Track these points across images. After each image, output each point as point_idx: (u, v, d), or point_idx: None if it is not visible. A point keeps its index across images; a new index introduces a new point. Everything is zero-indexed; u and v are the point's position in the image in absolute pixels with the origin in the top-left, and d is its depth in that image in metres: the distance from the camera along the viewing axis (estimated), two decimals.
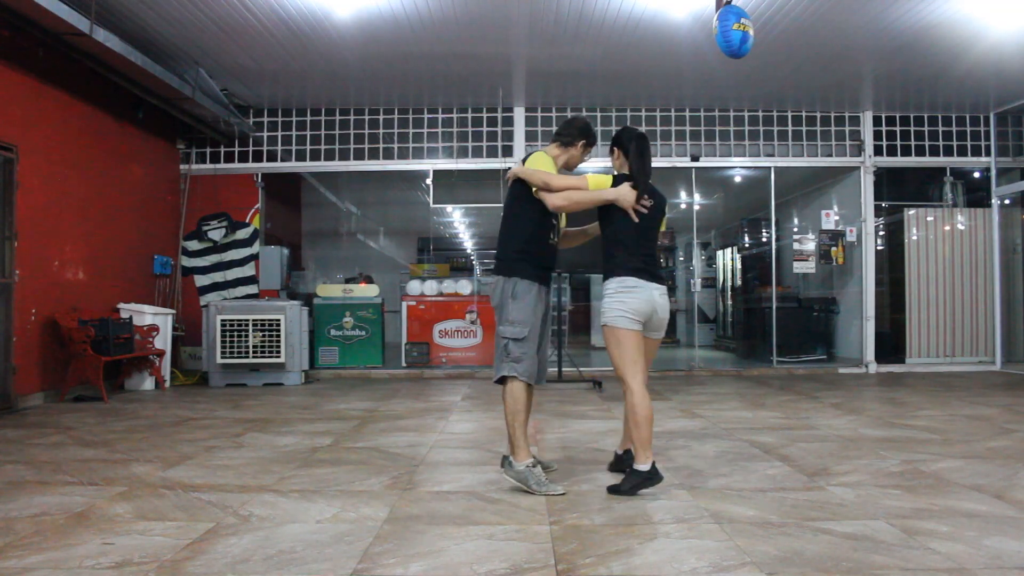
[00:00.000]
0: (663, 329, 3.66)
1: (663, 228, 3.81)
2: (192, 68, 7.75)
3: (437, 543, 2.77)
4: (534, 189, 3.64)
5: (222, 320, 8.08)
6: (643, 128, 9.50)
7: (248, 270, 9.41)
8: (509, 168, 3.88)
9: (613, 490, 3.45)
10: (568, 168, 3.93)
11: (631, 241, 3.59)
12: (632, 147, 3.66)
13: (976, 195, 10.10)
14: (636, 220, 3.57)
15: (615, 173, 3.73)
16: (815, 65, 7.93)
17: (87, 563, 2.56)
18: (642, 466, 3.39)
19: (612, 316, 3.51)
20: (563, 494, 3.44)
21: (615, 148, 3.78)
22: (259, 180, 9.52)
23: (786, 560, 2.56)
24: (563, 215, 3.82)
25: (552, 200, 3.58)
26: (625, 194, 3.55)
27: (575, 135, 3.85)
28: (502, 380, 3.62)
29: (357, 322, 9.22)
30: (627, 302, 3.49)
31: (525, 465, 3.52)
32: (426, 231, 14.65)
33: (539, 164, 3.68)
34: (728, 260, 13.70)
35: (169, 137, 9.10)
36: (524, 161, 3.77)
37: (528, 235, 3.69)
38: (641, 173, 3.62)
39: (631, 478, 3.41)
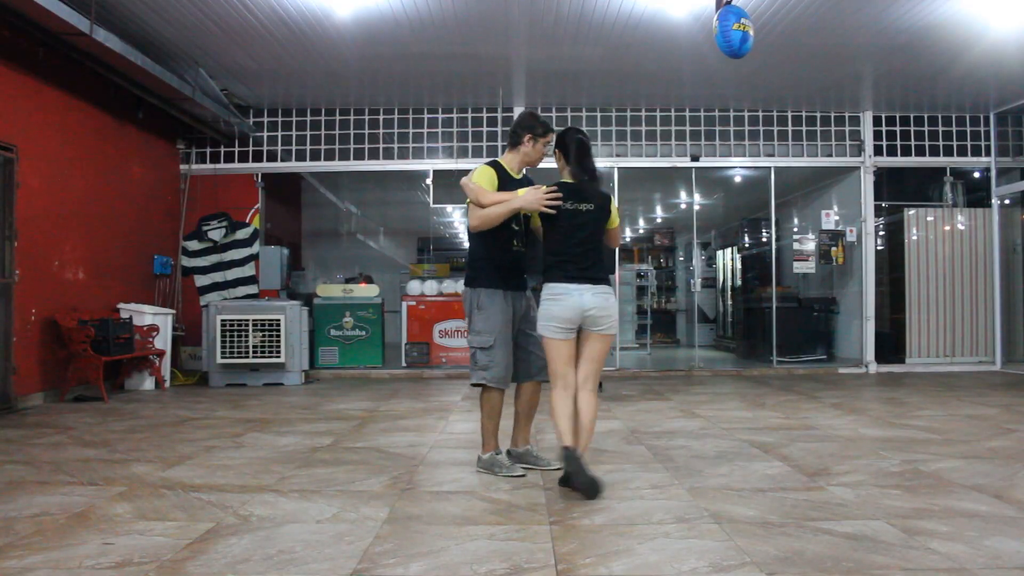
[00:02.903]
0: (606, 324, 3.57)
1: (614, 224, 3.77)
2: (192, 68, 7.75)
3: (437, 543, 2.77)
4: (467, 202, 3.79)
5: (222, 320, 8.07)
6: (643, 128, 9.52)
7: (248, 270, 9.41)
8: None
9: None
10: (532, 166, 4.01)
11: (561, 246, 3.60)
12: (572, 150, 3.66)
13: (976, 195, 10.10)
14: (552, 212, 3.56)
15: (564, 180, 3.71)
16: (815, 65, 7.93)
17: (87, 563, 2.56)
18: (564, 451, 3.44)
19: (540, 325, 3.61)
20: (523, 475, 3.77)
21: (557, 150, 3.76)
22: (259, 180, 9.51)
23: (786, 560, 2.56)
24: (534, 216, 3.79)
25: (471, 224, 3.77)
26: (529, 199, 3.60)
27: (519, 132, 3.91)
28: (478, 386, 3.88)
29: (357, 322, 9.22)
30: (552, 311, 3.54)
31: (489, 455, 3.89)
32: (426, 231, 14.65)
33: (476, 178, 3.79)
34: (728, 260, 13.71)
35: (169, 137, 9.10)
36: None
37: (489, 245, 3.82)
38: (583, 173, 3.63)
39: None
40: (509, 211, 3.65)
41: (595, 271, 3.59)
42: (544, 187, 3.65)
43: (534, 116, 3.97)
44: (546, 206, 3.57)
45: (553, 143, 3.87)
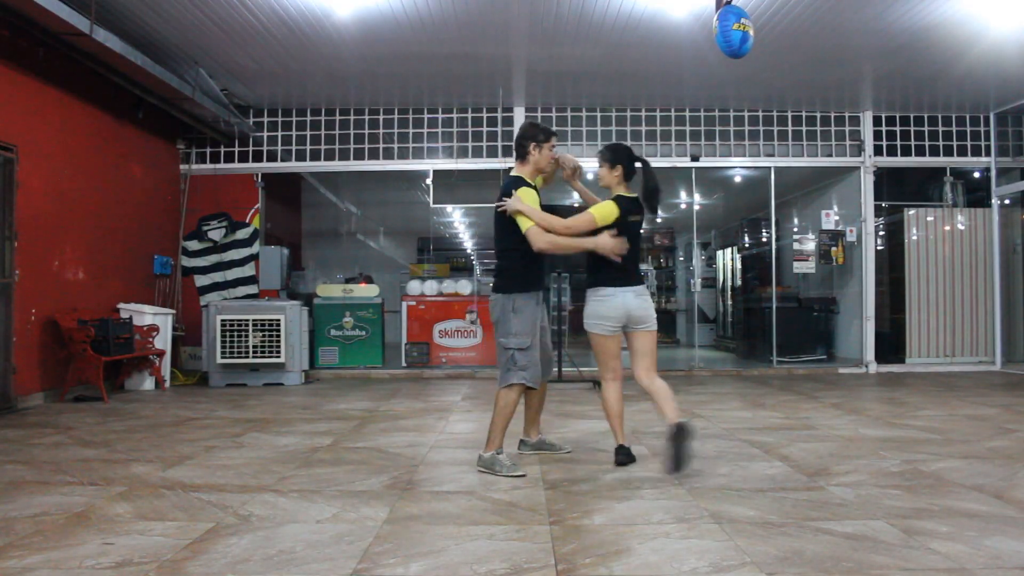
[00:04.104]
0: (648, 321, 3.96)
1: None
2: (192, 68, 7.75)
3: (437, 543, 2.77)
4: (524, 228, 3.88)
5: (222, 320, 8.07)
6: (643, 128, 9.51)
7: (248, 270, 9.41)
8: (508, 169, 4.11)
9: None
10: (543, 172, 4.17)
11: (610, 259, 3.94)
12: (645, 178, 4.03)
13: (976, 195, 10.09)
14: (618, 260, 3.89)
15: (621, 194, 4.02)
16: (815, 65, 7.92)
17: (87, 563, 2.56)
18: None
19: (589, 323, 3.99)
20: (523, 475, 3.82)
21: (609, 164, 4.04)
22: (259, 180, 9.51)
23: (786, 560, 2.56)
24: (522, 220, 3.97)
25: (537, 244, 3.88)
26: (604, 244, 3.86)
27: (524, 143, 4.08)
28: (509, 386, 3.96)
29: (357, 322, 9.22)
30: (599, 310, 3.94)
31: (491, 454, 3.94)
32: (426, 231, 14.65)
33: (528, 201, 3.91)
34: (728, 260, 13.70)
35: (169, 137, 9.10)
36: (505, 190, 4.00)
37: (524, 254, 3.99)
38: (651, 202, 4.03)
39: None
40: (582, 249, 3.95)
41: (636, 274, 4.02)
42: (612, 236, 3.85)
43: (533, 125, 4.15)
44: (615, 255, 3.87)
45: (555, 145, 4.13)
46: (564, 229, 3.90)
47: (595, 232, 3.90)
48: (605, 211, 3.91)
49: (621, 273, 3.93)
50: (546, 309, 4.25)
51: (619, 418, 4.02)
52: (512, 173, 4.13)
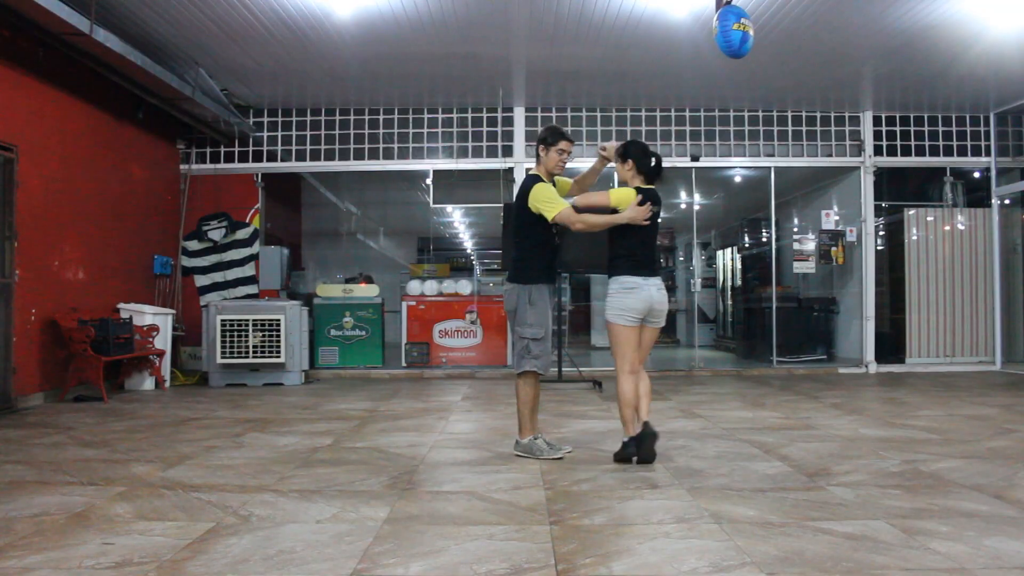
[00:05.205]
0: (661, 319, 4.10)
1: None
2: (192, 68, 7.75)
3: (437, 543, 2.77)
4: (551, 217, 4.05)
5: (222, 320, 8.07)
6: (643, 128, 9.52)
7: (248, 270, 9.41)
8: (509, 169, 4.28)
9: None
10: (555, 172, 4.30)
11: (635, 243, 4.05)
12: (649, 161, 4.11)
13: (976, 195, 10.09)
14: (647, 223, 4.00)
15: (637, 186, 4.10)
16: (815, 65, 7.92)
17: (87, 563, 2.56)
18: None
19: (613, 314, 4.03)
20: (561, 459, 4.09)
21: (627, 159, 4.14)
22: (259, 180, 9.51)
23: (786, 560, 2.56)
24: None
25: (575, 226, 4.04)
26: (633, 215, 3.96)
27: (536, 145, 4.28)
28: (522, 373, 4.18)
29: (357, 322, 9.22)
30: (626, 302, 4.00)
31: (529, 439, 4.18)
32: (426, 231, 14.65)
33: (545, 192, 4.08)
34: (728, 260, 13.70)
35: (169, 137, 9.10)
36: (524, 187, 4.19)
37: (537, 244, 4.17)
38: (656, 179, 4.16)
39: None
40: (615, 223, 4.02)
41: (656, 266, 4.15)
42: (637, 200, 3.97)
43: (546, 128, 4.34)
44: (646, 219, 3.98)
45: (567, 149, 4.25)
46: (583, 203, 4.06)
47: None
48: (622, 194, 4.02)
49: (646, 264, 4.05)
50: (555, 300, 4.44)
51: (632, 409, 4.05)
52: (530, 172, 4.33)
